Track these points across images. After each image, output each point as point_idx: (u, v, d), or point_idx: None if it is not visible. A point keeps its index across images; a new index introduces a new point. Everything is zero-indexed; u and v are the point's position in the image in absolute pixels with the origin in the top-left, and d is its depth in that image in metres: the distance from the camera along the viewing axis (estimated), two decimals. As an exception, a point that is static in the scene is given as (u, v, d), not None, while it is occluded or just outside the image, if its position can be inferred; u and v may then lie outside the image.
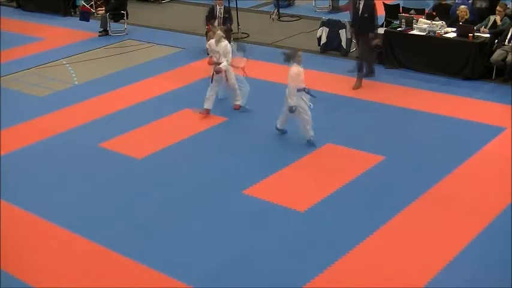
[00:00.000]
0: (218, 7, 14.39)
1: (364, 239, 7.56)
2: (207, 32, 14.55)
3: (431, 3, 14.77)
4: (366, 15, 12.02)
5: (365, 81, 12.48)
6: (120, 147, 10.31)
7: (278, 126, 10.33)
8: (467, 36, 12.20)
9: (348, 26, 13.87)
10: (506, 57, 11.95)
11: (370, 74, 12.62)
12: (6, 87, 13.34)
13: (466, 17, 12.74)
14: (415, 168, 9.19)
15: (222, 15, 14.39)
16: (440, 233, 7.64)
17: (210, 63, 11.16)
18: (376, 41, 12.73)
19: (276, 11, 17.32)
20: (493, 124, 10.34)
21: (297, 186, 8.86)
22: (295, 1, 18.73)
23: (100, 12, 17.30)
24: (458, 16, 12.79)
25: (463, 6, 12.88)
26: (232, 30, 14.98)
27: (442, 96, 11.64)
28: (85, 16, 17.28)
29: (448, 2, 14.13)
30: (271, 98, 11.88)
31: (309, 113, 9.77)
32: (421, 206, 8.21)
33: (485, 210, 8.05)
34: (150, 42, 15.90)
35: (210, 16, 14.47)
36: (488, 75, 12.28)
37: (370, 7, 12.07)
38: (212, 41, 11.10)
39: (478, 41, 12.16)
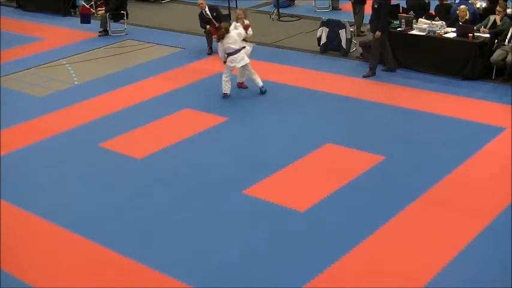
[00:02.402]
0: (202, 10, 14.42)
1: (364, 239, 7.56)
2: (206, 32, 14.60)
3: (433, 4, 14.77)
4: (377, 14, 12.42)
5: (365, 81, 12.50)
6: (120, 147, 10.31)
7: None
8: (467, 36, 12.20)
9: (347, 26, 13.89)
10: (506, 57, 11.95)
11: (371, 73, 12.65)
12: (6, 87, 13.34)
13: (466, 17, 12.75)
14: (415, 168, 9.19)
15: (210, 16, 14.43)
16: (440, 233, 7.64)
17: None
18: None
19: (276, 11, 17.32)
20: (493, 124, 10.34)
21: (297, 186, 8.86)
22: (295, 1, 18.73)
23: (100, 12, 17.32)
24: (458, 16, 12.80)
25: (463, 6, 12.88)
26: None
27: (442, 96, 11.64)
28: (86, 18, 17.29)
29: (449, 1, 14.13)
30: (271, 98, 11.90)
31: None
32: (421, 206, 8.21)
33: (485, 210, 8.04)
34: (150, 42, 15.91)
35: (204, 21, 14.52)
36: (488, 75, 12.27)
37: (383, 7, 12.37)
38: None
39: (478, 41, 12.16)
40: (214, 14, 14.50)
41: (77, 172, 9.67)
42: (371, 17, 12.77)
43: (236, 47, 11.63)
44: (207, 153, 10.04)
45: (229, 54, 11.70)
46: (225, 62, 11.87)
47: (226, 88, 11.94)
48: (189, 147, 10.26)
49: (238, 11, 12.78)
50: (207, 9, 14.49)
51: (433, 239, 7.53)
